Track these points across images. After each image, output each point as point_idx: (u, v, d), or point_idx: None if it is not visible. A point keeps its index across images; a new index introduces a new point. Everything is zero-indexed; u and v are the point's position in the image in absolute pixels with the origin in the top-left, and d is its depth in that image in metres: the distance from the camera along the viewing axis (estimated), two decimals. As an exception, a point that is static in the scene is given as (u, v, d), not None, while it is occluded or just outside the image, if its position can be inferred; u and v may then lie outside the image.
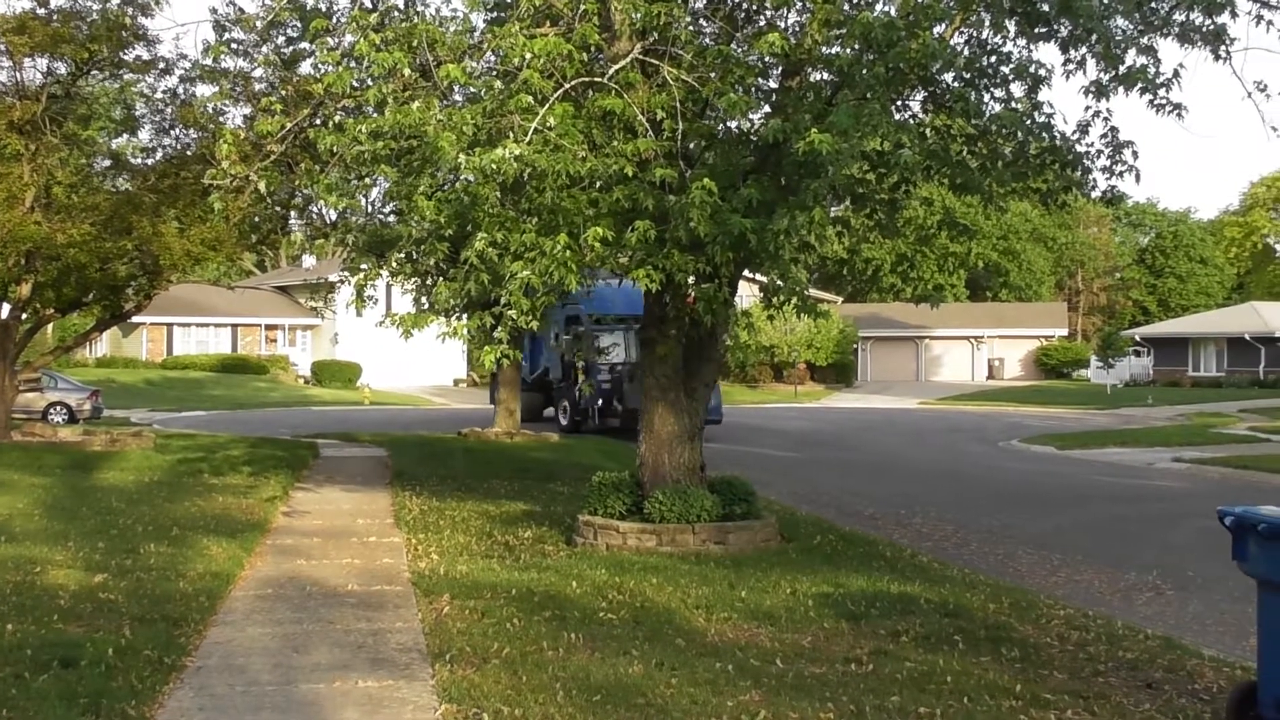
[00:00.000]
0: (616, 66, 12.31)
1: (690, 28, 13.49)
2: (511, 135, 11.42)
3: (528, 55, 11.46)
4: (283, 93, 18.01)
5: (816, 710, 7.69)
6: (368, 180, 13.31)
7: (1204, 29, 12.83)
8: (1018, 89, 13.30)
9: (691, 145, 13.30)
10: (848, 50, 12.35)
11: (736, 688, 8.18)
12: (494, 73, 12.80)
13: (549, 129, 11.45)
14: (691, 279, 13.05)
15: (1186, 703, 8.12)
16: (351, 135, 11.82)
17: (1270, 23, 12.85)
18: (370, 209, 17.31)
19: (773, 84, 14.35)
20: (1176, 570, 13.51)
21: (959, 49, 13.04)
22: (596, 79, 12.27)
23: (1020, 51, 13.32)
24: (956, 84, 13.03)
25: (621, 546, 13.79)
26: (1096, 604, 11.70)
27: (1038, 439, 33.60)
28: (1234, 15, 12.54)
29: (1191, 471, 25.36)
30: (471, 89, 12.85)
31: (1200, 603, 11.90)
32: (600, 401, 32.91)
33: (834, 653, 9.24)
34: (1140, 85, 12.41)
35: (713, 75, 12.74)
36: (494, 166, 11.01)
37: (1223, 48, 12.95)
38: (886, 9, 12.94)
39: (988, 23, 13.23)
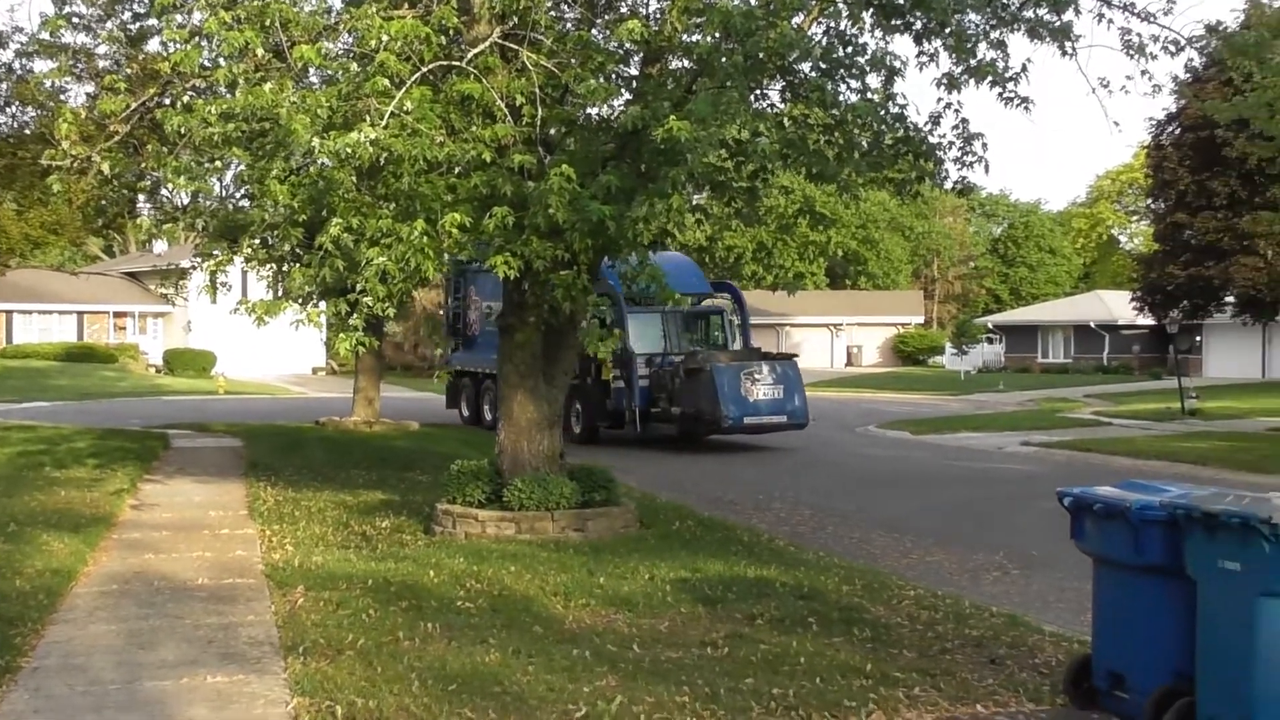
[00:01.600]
0: (475, 51, 12.27)
1: (550, 13, 13.48)
2: (368, 119, 11.31)
3: (385, 37, 11.36)
4: (128, 71, 17.58)
5: (672, 694, 7.79)
6: (219, 163, 13.06)
7: (1052, 25, 13.20)
8: (874, 80, 13.54)
9: (551, 131, 13.32)
10: (707, 38, 12.47)
11: (593, 673, 8.25)
12: (350, 55, 12.68)
13: (406, 113, 11.37)
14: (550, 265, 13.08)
15: (1028, 676, 8.40)
16: (201, 116, 11.60)
17: (1111, 21, 13.28)
18: (223, 193, 16.99)
19: (633, 71, 14.42)
20: (1022, 550, 13.90)
21: (816, 39, 13.22)
22: (455, 63, 12.22)
23: (876, 43, 13.57)
24: (814, 74, 13.22)
25: (480, 535, 13.77)
26: (946, 584, 12.01)
27: (893, 424, 34.21)
28: (1078, 12, 12.92)
29: (1038, 455, 26.05)
30: (327, 71, 12.70)
31: (1043, 581, 12.27)
32: (640, 403, 27.15)
33: (690, 637, 9.36)
34: (990, 78, 12.75)
35: (573, 61, 12.75)
36: (349, 150, 10.91)
37: (1069, 44, 13.34)
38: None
39: (845, 14, 13.44)
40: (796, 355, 29.03)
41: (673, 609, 10.31)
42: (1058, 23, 13.22)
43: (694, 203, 17.06)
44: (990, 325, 76.62)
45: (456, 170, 12.11)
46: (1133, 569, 7.39)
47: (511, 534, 13.75)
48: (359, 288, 11.98)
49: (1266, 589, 6.45)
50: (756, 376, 25.56)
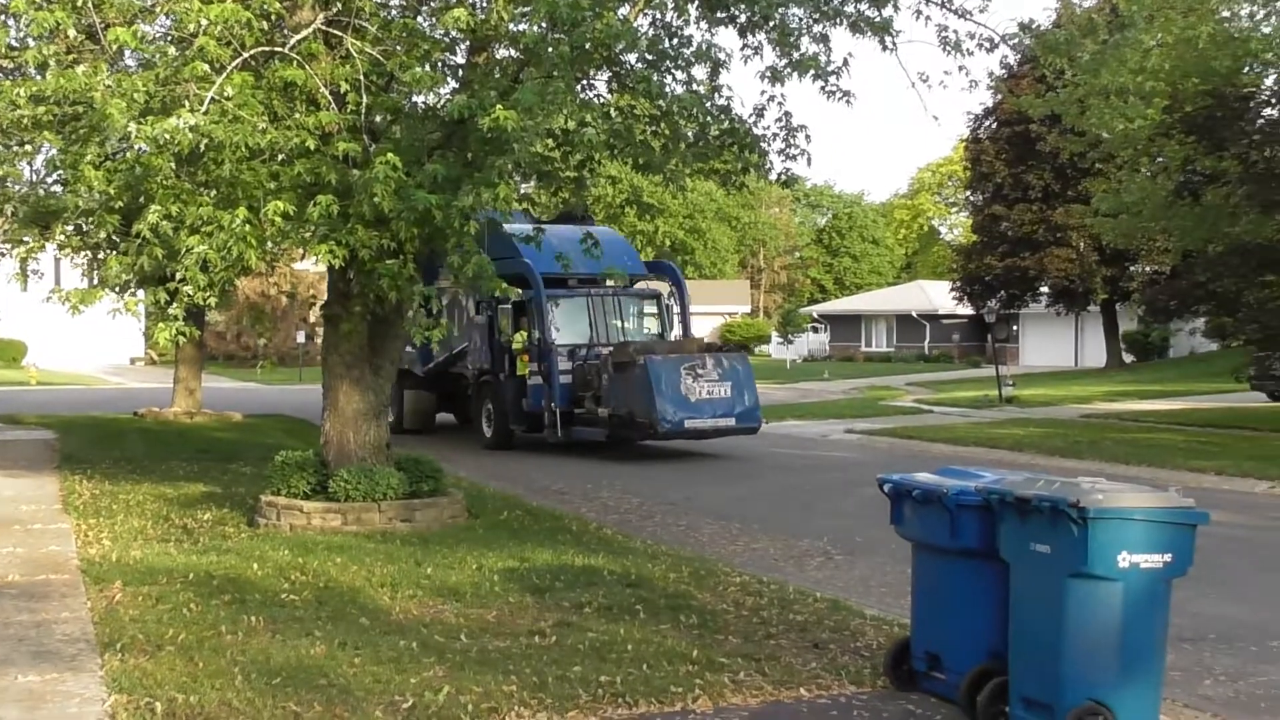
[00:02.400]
0: (298, 37, 12.07)
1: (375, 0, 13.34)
2: (187, 104, 11.06)
3: (204, 21, 11.09)
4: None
5: (500, 683, 7.78)
6: (29, 147, 12.64)
7: (873, 21, 13.49)
8: (699, 72, 13.70)
9: (377, 119, 13.14)
10: (534, 28, 12.45)
11: (420, 664, 8.20)
12: (168, 38, 12.37)
13: (227, 99, 11.14)
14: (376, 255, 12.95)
15: (849, 660, 8.58)
16: (9, 99, 11.20)
17: (929, 17, 13.64)
18: (33, 177, 16.43)
19: (460, 59, 14.33)
20: (845, 536, 14.19)
21: (643, 31, 13.31)
22: (277, 49, 12.00)
23: (702, 35, 13.72)
24: (640, 65, 13.31)
25: (306, 526, 13.58)
26: (771, 570, 12.20)
27: (721, 413, 34.55)
28: (897, 9, 13.23)
29: (862, 442, 26.63)
30: (143, 54, 12.35)
31: (866, 566, 12.55)
32: (561, 403, 23.03)
33: (518, 626, 9.36)
34: (813, 72, 12.96)
35: (398, 49, 12.63)
36: (168, 136, 10.66)
37: (889, 39, 13.66)
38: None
39: (671, 6, 13.55)
40: (746, 346, 26.27)
41: (501, 599, 10.30)
42: (878, 18, 13.52)
43: (522, 192, 17.07)
44: (815, 314, 78.01)
45: (280, 158, 11.90)
46: (949, 553, 7.60)
47: (337, 525, 13.58)
48: (179, 276, 11.71)
49: (1075, 570, 6.69)
50: (699, 372, 21.97)
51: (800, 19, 13.58)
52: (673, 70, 13.32)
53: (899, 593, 10.45)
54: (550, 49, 12.22)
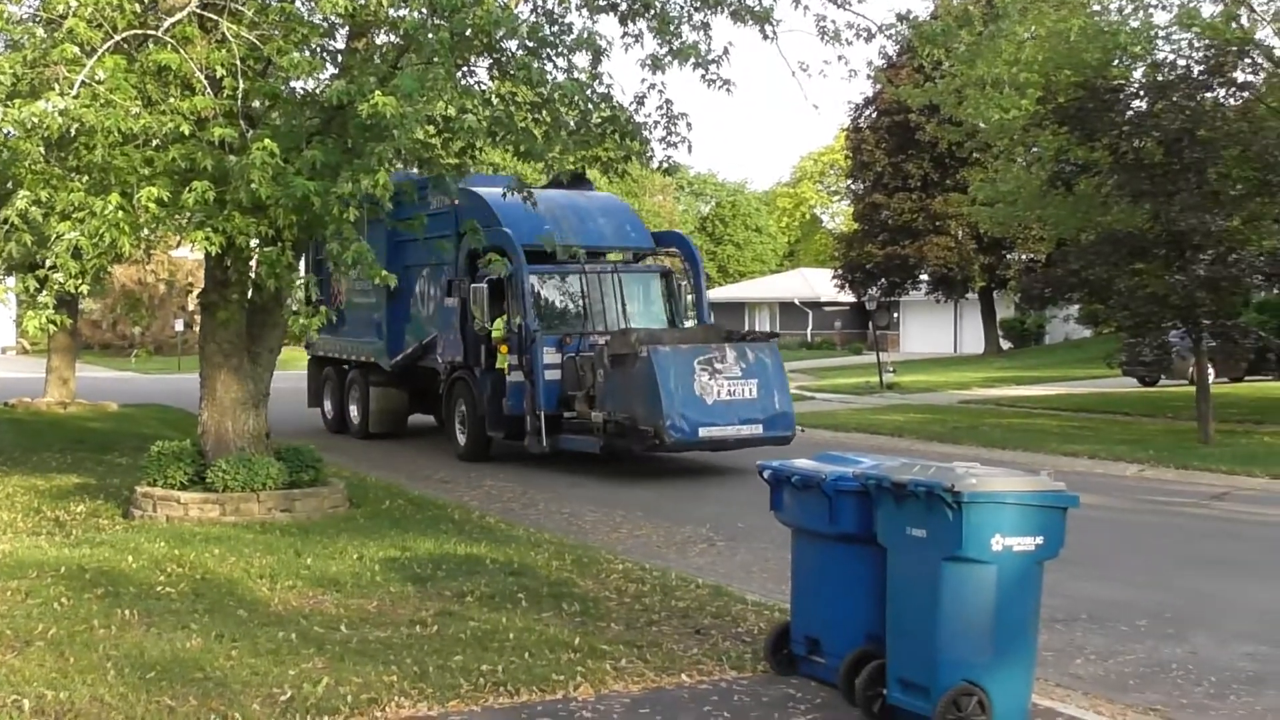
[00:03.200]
0: (172, 19, 11.80)
1: (252, -17, 13.10)
2: (56, 87, 10.78)
3: (73, 3, 10.83)
4: None
5: (380, 673, 7.72)
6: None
7: (753, 10, 13.54)
8: (581, 59, 13.66)
9: (254, 105, 12.94)
10: (413, 14, 12.33)
11: (299, 656, 8.10)
12: (36, 19, 12.04)
13: (98, 82, 10.88)
14: (255, 242, 12.75)
15: (731, 645, 8.64)
16: None
17: (807, 7, 13.75)
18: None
19: (339, 45, 14.14)
20: (729, 522, 14.27)
21: (523, 18, 13.22)
22: (151, 32, 11.74)
23: (583, 23, 13.67)
24: (521, 52, 13.22)
25: (183, 518, 13.34)
26: (654, 557, 12.24)
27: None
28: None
29: (746, 429, 26.72)
30: (10, 36, 12.01)
31: (748, 552, 12.64)
32: (546, 405, 18.72)
33: (400, 616, 9.28)
34: (693, 60, 12.99)
35: (275, 33, 12.42)
36: (36, 120, 10.37)
37: (769, 28, 13.73)
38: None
39: (553, -7, 13.49)
40: (777, 335, 20.82)
41: (382, 588, 10.21)
42: (759, 7, 13.57)
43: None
44: (699, 302, 78.18)
45: (154, 143, 11.64)
46: (828, 538, 7.69)
47: (216, 516, 13.36)
48: (49, 263, 11.43)
49: (950, 554, 6.79)
50: (717, 366, 17.49)
51: (681, 7, 13.60)
52: (554, 57, 13.25)
53: (780, 578, 10.53)
54: (430, 35, 12.10)
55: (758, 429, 17.63)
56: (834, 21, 14.04)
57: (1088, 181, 23.20)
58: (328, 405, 25.73)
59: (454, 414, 21.02)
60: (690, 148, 13.62)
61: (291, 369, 43.54)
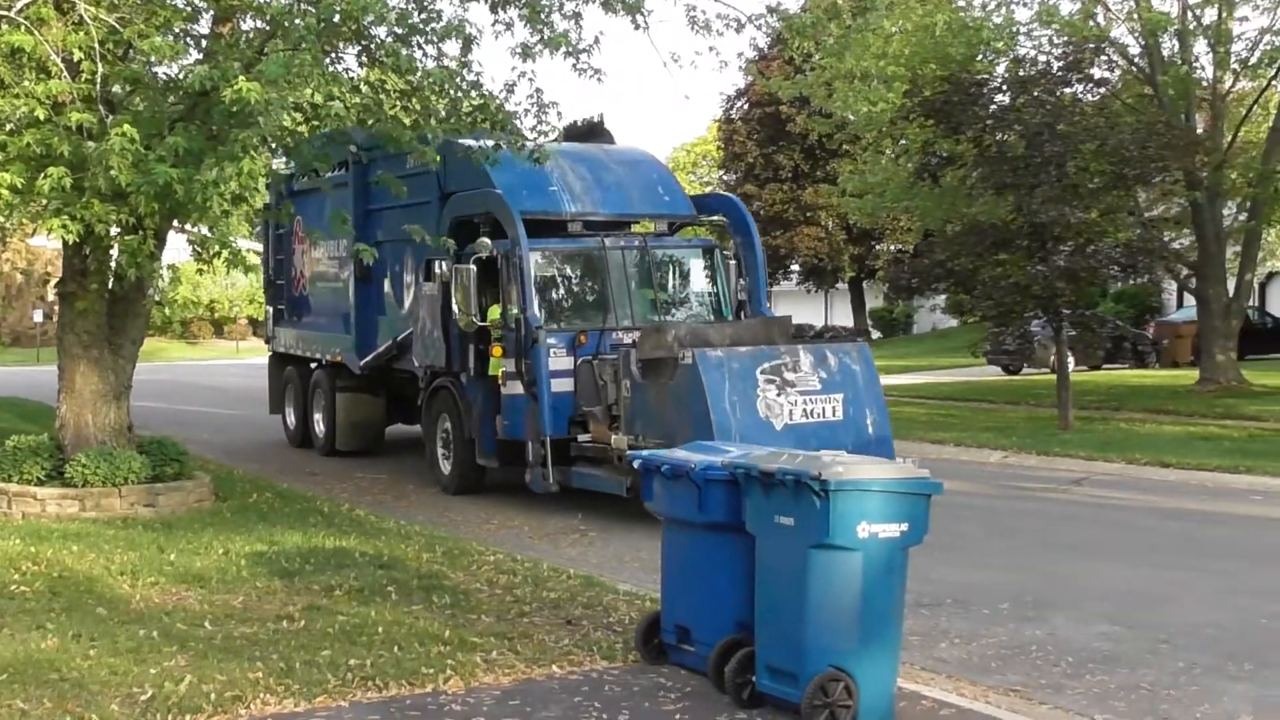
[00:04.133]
0: (26, 0, 11.46)
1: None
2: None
3: (-80, -18, 10.46)
4: None
5: (245, 670, 7.57)
6: None
7: (625, 1, 13.51)
8: (451, 47, 13.49)
9: (115, 89, 12.60)
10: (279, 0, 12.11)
11: (161, 654, 7.92)
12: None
13: (-53, 65, 10.53)
14: (115, 230, 12.43)
15: (602, 635, 8.63)
16: None
17: (678, -2, 13.76)
18: None
19: (204, 29, 13.86)
20: (600, 513, 14.19)
21: (392, 5, 13.05)
22: (4, 13, 11.37)
23: (454, 10, 13.52)
24: (390, 39, 13.05)
25: (40, 514, 12.97)
26: (526, 548, 12.18)
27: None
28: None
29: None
30: None
31: (620, 542, 12.62)
32: (554, 427, 14.00)
33: (266, 611, 9.13)
34: (564, 49, 12.92)
35: (137, 17, 12.12)
36: (-118, 103, 10.01)
37: (640, 18, 13.71)
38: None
39: (421, -20, 13.33)
40: (865, 332, 17.09)
41: (248, 583, 10.03)
42: (631, -1, 13.55)
43: (273, 166, 16.60)
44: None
45: (8, 128, 11.31)
46: (697, 527, 7.70)
47: (75, 512, 13.01)
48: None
49: (817, 541, 6.84)
50: (789, 376, 12.70)
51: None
52: (423, 45, 13.10)
53: (652, 568, 10.51)
54: (298, 20, 11.90)
55: None
56: (704, 12, 14.07)
57: (953, 173, 23.58)
58: (290, 413, 21.07)
59: (435, 434, 16.23)
60: (561, 137, 13.55)
61: (157, 360, 42.55)
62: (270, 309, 21.90)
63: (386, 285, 17.79)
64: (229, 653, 8.00)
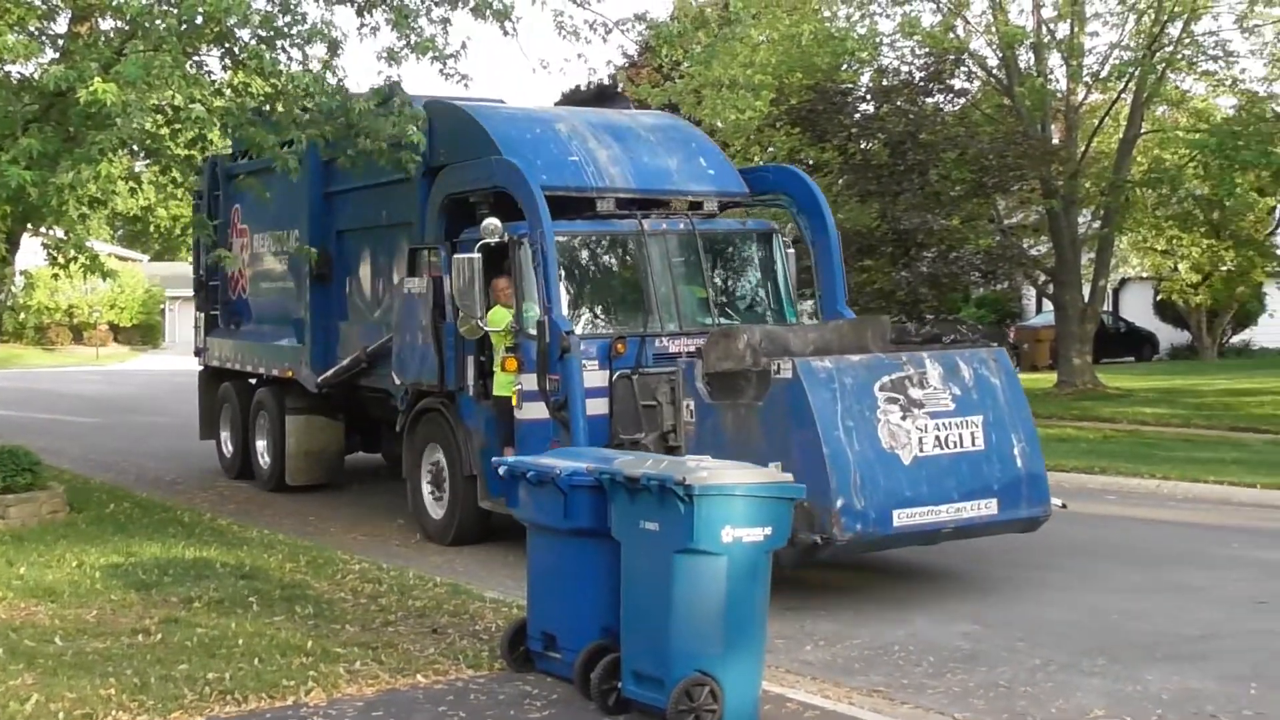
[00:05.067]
0: None
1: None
2: None
3: None
4: None
5: (96, 687, 7.33)
6: None
7: (493, 6, 13.42)
8: (316, 50, 13.26)
9: (-35, 89, 12.20)
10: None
11: (6, 672, 7.61)
12: None
13: None
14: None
15: (468, 644, 8.51)
16: None
17: (545, 2, 13.73)
18: None
19: (61, 29, 13.47)
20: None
21: (255, 6, 12.80)
22: None
23: (319, 13, 13.30)
24: (254, 42, 12.80)
25: (-116, 527, 12.37)
26: (393, 556, 11.99)
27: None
28: (515, -8, 13.21)
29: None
30: None
31: (488, 549, 12.42)
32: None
33: (121, 625, 8.85)
34: (431, 54, 12.79)
35: (-12, 14, 11.74)
36: None
37: (509, 24, 13.64)
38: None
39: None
40: (1006, 331, 13.38)
41: (103, 596, 9.72)
42: (499, 4, 13.46)
43: (136, 169, 16.18)
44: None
45: None
46: (563, 533, 7.64)
47: (-80, 525, 12.53)
48: None
49: (681, 546, 6.82)
50: (914, 394, 9.91)
51: (421, 1, 13.38)
52: (288, 48, 12.86)
53: (520, 575, 10.41)
54: (159, 21, 11.61)
55: (990, 506, 9.98)
56: (572, 18, 14.06)
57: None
58: (226, 439, 17.80)
59: (420, 469, 13.07)
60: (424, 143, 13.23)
61: (13, 367, 41.33)
62: (201, 315, 18.52)
63: (351, 285, 14.91)
64: (80, 669, 7.73)
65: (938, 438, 9.80)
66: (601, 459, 7.70)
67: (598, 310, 12.14)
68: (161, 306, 67.90)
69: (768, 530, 6.95)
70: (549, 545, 7.83)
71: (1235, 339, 40.66)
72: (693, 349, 11.26)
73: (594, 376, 11.14)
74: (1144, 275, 40.30)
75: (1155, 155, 26.61)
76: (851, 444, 9.44)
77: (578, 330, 11.35)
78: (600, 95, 14.38)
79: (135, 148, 13.17)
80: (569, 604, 7.67)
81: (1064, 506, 10.67)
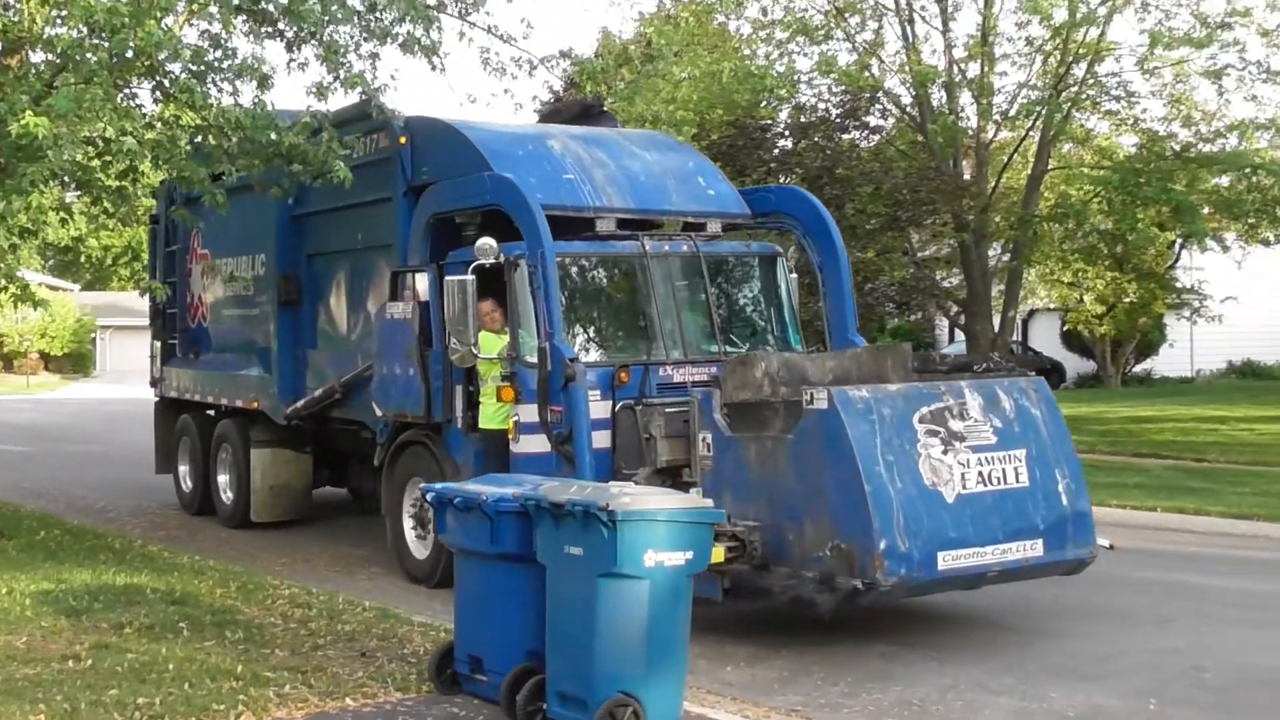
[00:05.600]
0: None
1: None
2: None
3: None
4: None
5: (26, 713, 7.24)
6: None
7: (421, 41, 13.44)
8: (249, 84, 13.19)
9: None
10: (71, 32, 11.70)
11: (-66, 701, 7.51)
12: None
13: None
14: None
15: (396, 667, 8.49)
16: None
17: (471, 39, 13.81)
18: None
19: (-9, 61, 13.29)
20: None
21: (187, 41, 12.72)
22: None
23: (249, 48, 13.24)
24: (184, 75, 12.72)
25: None
26: (323, 581, 11.92)
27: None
28: (440, 30, 13.23)
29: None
30: None
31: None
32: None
33: (51, 651, 8.73)
34: (360, 89, 12.78)
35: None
36: None
37: (437, 60, 13.67)
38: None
39: (216, 17, 13.01)
40: (1054, 366, 12.19)
41: (32, 623, 9.57)
42: (426, 40, 13.48)
43: (67, 200, 15.99)
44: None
45: None
46: (490, 558, 7.66)
47: None
48: None
49: (605, 570, 6.88)
50: (954, 426, 9.09)
51: (349, 36, 13.36)
52: (219, 82, 12.78)
53: (449, 599, 10.40)
54: (90, 55, 11.51)
55: (1036, 547, 9.22)
56: (498, 54, 14.12)
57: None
58: (185, 473, 16.85)
59: (401, 506, 12.12)
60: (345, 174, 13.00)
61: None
62: (158, 343, 17.53)
63: (322, 311, 14.02)
64: (9, 695, 7.62)
65: (980, 473, 9.00)
66: (528, 485, 7.73)
67: (597, 336, 11.42)
68: (92, 335, 66.91)
69: (689, 554, 7.02)
70: (476, 570, 7.84)
71: (1138, 368, 41.32)
72: (699, 377, 10.71)
73: (596, 407, 10.29)
74: (1051, 306, 40.88)
75: (1062, 191, 27.06)
76: (893, 480, 8.60)
77: (576, 354, 10.45)
78: (585, 113, 13.91)
79: (66, 179, 13.02)
80: (496, 627, 7.68)
81: (1111, 547, 10.06)
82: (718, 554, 7.76)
